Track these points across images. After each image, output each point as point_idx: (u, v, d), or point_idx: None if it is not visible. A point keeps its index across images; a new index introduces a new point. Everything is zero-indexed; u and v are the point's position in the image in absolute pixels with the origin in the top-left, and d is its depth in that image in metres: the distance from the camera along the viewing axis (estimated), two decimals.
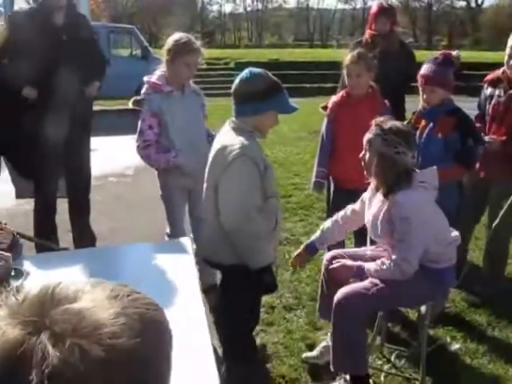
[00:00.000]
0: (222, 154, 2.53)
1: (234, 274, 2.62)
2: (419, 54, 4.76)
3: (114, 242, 4.74)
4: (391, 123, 2.74)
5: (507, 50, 3.78)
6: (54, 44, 3.88)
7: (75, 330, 0.61)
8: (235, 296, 2.65)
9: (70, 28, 4.02)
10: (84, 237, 4.39)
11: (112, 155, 8.51)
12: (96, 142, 5.25)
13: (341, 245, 3.76)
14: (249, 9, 61.80)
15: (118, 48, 14.82)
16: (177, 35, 3.53)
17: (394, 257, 2.72)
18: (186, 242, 2.74)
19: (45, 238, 3.67)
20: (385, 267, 2.74)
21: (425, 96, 3.59)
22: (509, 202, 3.78)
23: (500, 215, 3.82)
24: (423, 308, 3.07)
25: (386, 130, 2.70)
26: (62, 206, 4.50)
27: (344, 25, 63.98)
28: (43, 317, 0.63)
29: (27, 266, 2.34)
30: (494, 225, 3.85)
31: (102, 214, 5.35)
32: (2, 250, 2.27)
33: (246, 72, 2.66)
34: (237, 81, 2.66)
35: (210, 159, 2.67)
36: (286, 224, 5.51)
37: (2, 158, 4.39)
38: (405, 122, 3.66)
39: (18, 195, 5.10)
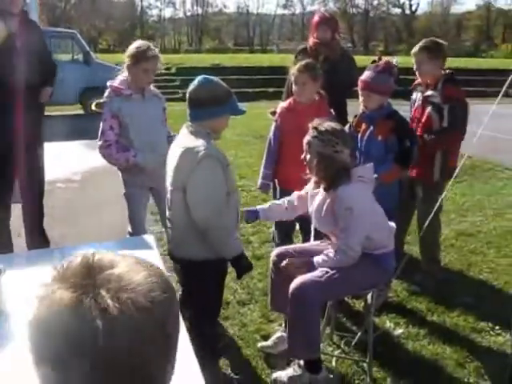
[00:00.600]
0: (188, 157, 2.73)
1: (205, 267, 2.82)
2: (357, 59, 5.03)
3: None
4: (327, 124, 2.97)
5: (413, 59, 4.14)
6: (8, 50, 3.94)
7: (123, 288, 0.77)
8: (207, 288, 2.89)
9: (24, 35, 4.07)
10: (38, 241, 4.44)
11: (58, 161, 8.47)
12: None
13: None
14: (189, 13, 61.75)
15: (59, 53, 14.61)
16: (137, 42, 3.74)
17: (338, 244, 2.97)
18: (149, 238, 2.87)
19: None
20: (331, 255, 2.97)
21: (363, 100, 3.85)
22: (437, 203, 4.07)
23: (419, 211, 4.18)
24: (369, 297, 3.31)
25: (323, 131, 2.94)
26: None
27: (283, 30, 64.79)
28: (92, 279, 0.78)
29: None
30: (425, 223, 4.13)
31: (52, 219, 5.38)
32: None
33: (201, 78, 2.86)
34: (193, 87, 2.83)
35: (172, 162, 2.83)
36: None
37: None
38: (347, 126, 3.92)
39: None
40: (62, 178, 7.73)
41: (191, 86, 2.85)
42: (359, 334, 3.55)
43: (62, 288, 0.78)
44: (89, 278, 0.79)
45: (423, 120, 4.10)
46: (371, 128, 3.83)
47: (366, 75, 3.81)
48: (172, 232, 2.98)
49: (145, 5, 57.72)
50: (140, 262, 0.85)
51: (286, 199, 3.43)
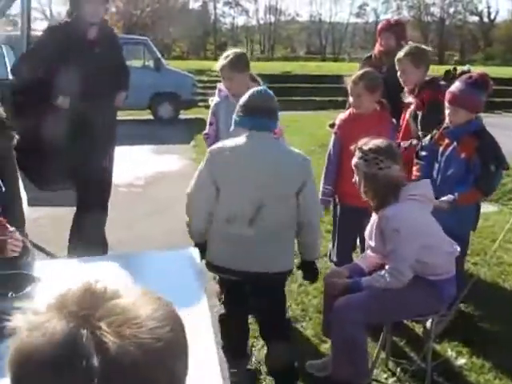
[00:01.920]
0: (296, 164, 2.86)
1: (284, 277, 3.08)
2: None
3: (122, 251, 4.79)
4: (371, 143, 2.87)
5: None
6: (87, 56, 4.08)
7: (127, 322, 0.68)
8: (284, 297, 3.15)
9: (102, 41, 4.23)
10: (98, 245, 4.45)
11: (123, 165, 8.58)
12: None
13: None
14: (261, 22, 62.16)
15: (131, 59, 14.91)
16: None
17: (387, 268, 2.86)
18: (194, 251, 2.79)
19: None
20: (379, 279, 2.85)
21: (448, 114, 3.49)
22: None
23: None
24: (428, 322, 3.10)
25: (366, 150, 2.85)
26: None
27: (356, 38, 64.21)
28: (93, 310, 0.68)
29: (38, 272, 2.39)
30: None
31: (111, 223, 5.40)
32: (15, 257, 2.33)
33: (267, 89, 2.96)
34: (269, 96, 2.90)
35: (273, 170, 2.79)
36: None
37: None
38: (427, 138, 3.66)
39: (30, 203, 5.17)
40: (125, 182, 7.81)
41: (267, 95, 2.91)
42: (417, 361, 3.32)
43: (57, 317, 0.68)
44: (89, 308, 0.69)
45: (402, 127, 3.98)
46: (454, 144, 3.49)
47: (455, 87, 3.44)
48: (259, 244, 2.79)
49: (218, 13, 58.55)
50: (147, 294, 0.76)
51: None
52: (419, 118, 3.87)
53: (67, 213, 4.65)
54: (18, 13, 6.90)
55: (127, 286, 0.76)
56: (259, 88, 3.00)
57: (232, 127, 2.98)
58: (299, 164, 2.85)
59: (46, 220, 5.86)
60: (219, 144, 2.94)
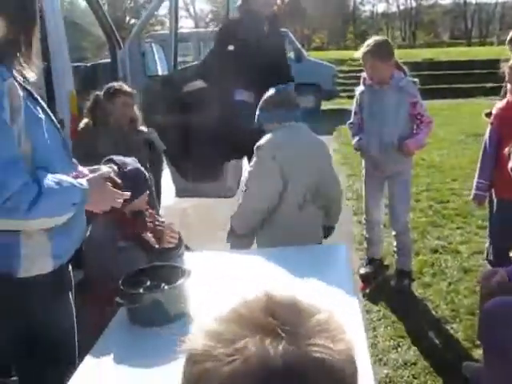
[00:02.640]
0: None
1: None
2: None
3: None
4: None
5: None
6: (260, 51, 4.13)
7: (331, 337, 0.65)
8: None
9: (272, 36, 4.30)
10: None
11: None
12: None
13: None
14: (402, 7, 60.20)
15: None
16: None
17: None
18: (342, 248, 2.71)
19: None
20: None
21: None
22: None
23: None
24: None
25: None
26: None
27: (506, 19, 60.00)
28: (297, 326, 0.64)
29: (189, 264, 2.44)
30: None
31: None
32: (169, 248, 2.41)
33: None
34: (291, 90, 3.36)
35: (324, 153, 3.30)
36: (443, 231, 5.27)
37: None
38: None
39: (178, 194, 5.39)
40: None
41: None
42: None
43: (251, 336, 0.62)
44: (293, 324, 0.64)
45: None
46: None
47: None
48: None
49: (357, 1, 57.58)
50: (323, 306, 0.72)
51: None
52: None
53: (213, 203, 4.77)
54: (165, 13, 7.24)
55: (307, 301, 0.71)
56: (280, 86, 3.24)
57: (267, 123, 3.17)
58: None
59: (192, 210, 6.10)
60: (271, 140, 3.05)
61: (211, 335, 0.64)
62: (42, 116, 1.77)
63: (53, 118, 1.89)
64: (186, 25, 46.75)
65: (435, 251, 4.80)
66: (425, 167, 7.78)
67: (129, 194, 2.06)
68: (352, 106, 4.17)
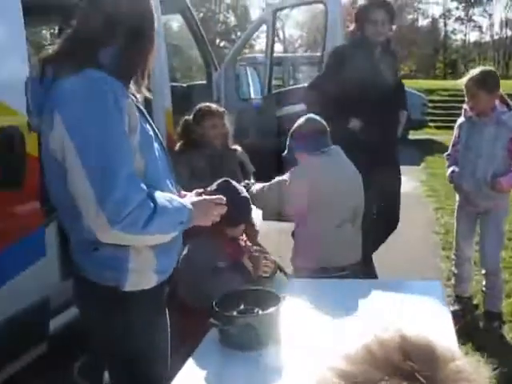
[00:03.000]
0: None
1: None
2: None
3: None
4: None
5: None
6: (375, 76, 4.01)
7: None
8: None
9: (385, 59, 4.18)
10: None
11: None
12: None
13: None
14: (496, 37, 58.40)
15: None
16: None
17: None
18: (437, 284, 2.62)
19: None
20: None
21: None
22: None
23: None
24: None
25: None
26: None
27: None
28: (434, 371, 0.60)
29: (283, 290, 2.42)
30: None
31: None
32: (266, 277, 2.41)
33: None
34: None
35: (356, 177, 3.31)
36: None
37: None
38: None
39: (264, 217, 5.39)
40: None
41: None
42: None
43: (387, 380, 0.59)
44: (430, 369, 0.60)
45: None
46: None
47: None
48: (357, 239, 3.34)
49: (449, 29, 56.31)
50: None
51: None
52: None
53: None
54: (256, 37, 7.33)
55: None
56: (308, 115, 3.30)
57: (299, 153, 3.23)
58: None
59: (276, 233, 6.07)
60: (315, 167, 3.13)
61: (344, 376, 0.61)
62: (152, 135, 1.83)
63: (160, 137, 1.94)
64: (276, 49, 47.28)
65: None
66: None
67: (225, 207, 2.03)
68: (441, 136, 4.08)
